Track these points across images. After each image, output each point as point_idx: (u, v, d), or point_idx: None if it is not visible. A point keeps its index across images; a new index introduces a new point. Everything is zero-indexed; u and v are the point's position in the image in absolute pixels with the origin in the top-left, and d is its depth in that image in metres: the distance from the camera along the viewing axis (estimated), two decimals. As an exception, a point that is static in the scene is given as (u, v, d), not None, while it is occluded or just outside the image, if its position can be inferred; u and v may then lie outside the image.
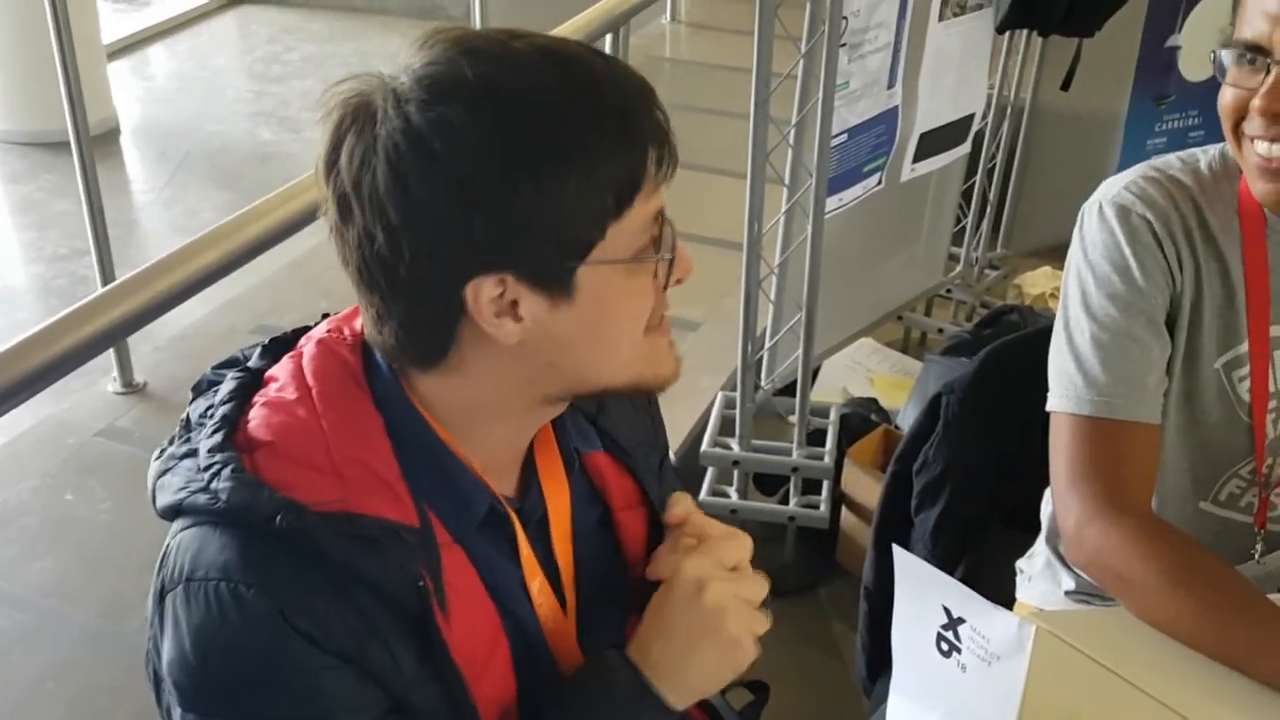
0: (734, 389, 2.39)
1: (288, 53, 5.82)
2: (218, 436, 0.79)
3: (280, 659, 0.74)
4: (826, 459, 2.38)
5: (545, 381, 0.82)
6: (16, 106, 4.53)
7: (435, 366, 0.81)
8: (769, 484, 2.54)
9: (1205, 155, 1.20)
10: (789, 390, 2.42)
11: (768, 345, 2.37)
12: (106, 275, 2.59)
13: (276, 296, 3.11)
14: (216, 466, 0.77)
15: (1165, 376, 1.18)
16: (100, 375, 2.71)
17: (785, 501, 2.44)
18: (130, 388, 2.71)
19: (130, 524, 2.31)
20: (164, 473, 0.81)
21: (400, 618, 0.77)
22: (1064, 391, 1.18)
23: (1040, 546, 1.35)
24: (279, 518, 0.74)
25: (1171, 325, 1.18)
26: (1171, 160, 1.20)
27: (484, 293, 0.76)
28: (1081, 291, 1.18)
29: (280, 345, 0.88)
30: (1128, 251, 1.15)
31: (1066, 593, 1.29)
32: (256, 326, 2.96)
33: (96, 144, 2.62)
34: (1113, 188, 1.18)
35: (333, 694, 0.76)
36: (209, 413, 0.82)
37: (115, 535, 2.30)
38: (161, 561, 0.79)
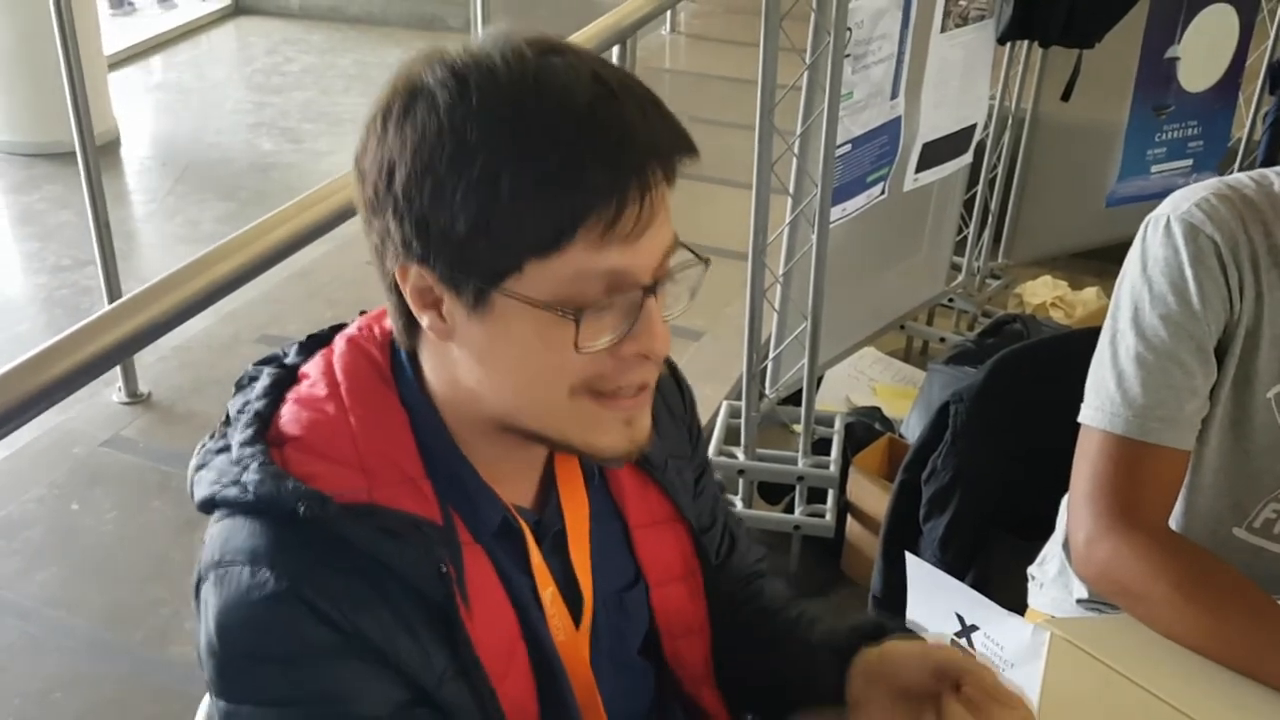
0: (738, 398, 2.39)
1: (287, 64, 5.83)
2: (249, 431, 0.81)
3: (299, 639, 0.75)
4: (832, 468, 2.39)
5: (486, 403, 0.80)
6: (18, 118, 4.54)
7: (416, 355, 0.84)
8: (774, 493, 2.54)
9: (1279, 178, 1.16)
10: (793, 399, 2.43)
11: (772, 354, 2.38)
12: (112, 286, 2.59)
13: (280, 307, 3.11)
14: (246, 460, 0.79)
15: (1205, 403, 1.16)
16: (104, 385, 2.72)
17: (790, 510, 2.45)
18: (135, 398, 2.71)
19: (136, 534, 2.31)
20: (200, 467, 0.83)
21: (427, 609, 0.78)
22: (1099, 405, 1.16)
23: (1054, 551, 1.35)
24: (302, 507, 0.76)
25: (1222, 352, 1.15)
26: (1244, 179, 1.16)
27: (410, 279, 0.78)
28: (1134, 306, 1.15)
29: (317, 342, 0.89)
30: (1189, 273, 1.12)
31: (1078, 600, 1.30)
32: (260, 336, 2.96)
33: (98, 154, 2.62)
34: (1182, 203, 1.14)
35: (351, 680, 0.76)
36: (244, 408, 0.84)
37: (121, 545, 2.30)
38: (200, 554, 0.81)
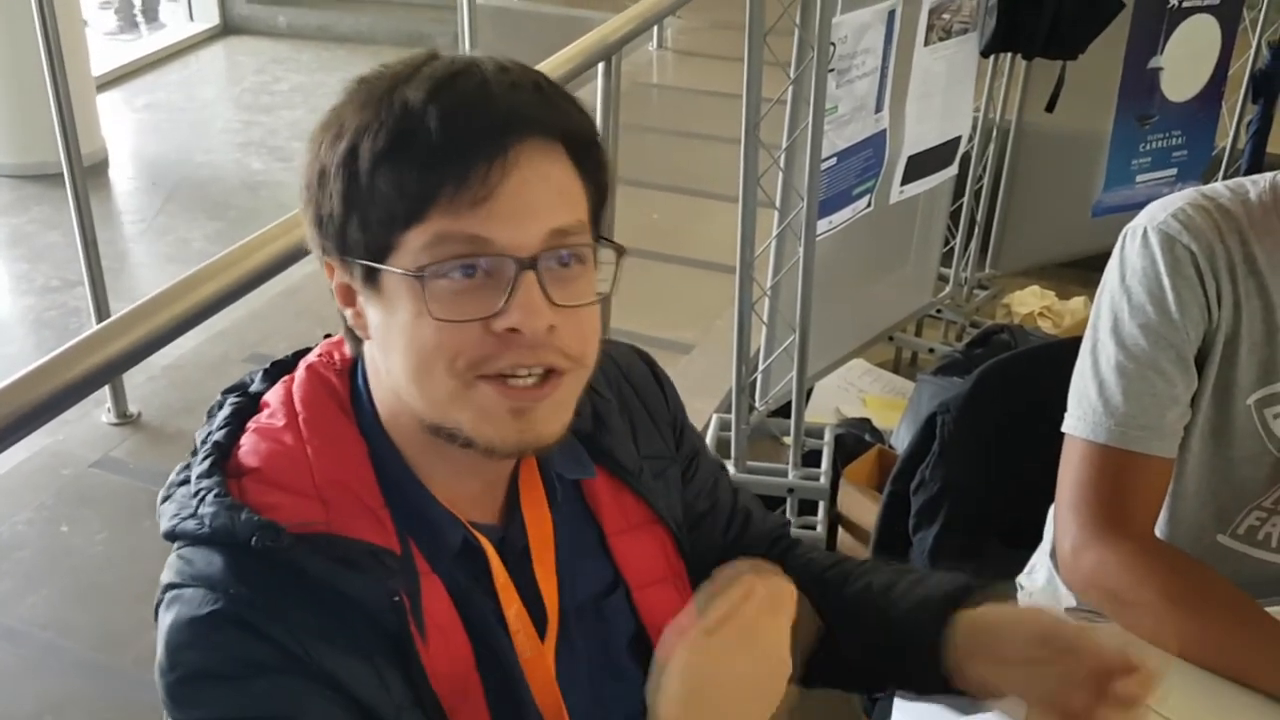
0: (728, 411, 2.40)
1: (276, 83, 5.84)
2: (206, 463, 0.82)
3: (246, 658, 0.75)
4: (822, 479, 2.39)
5: (402, 400, 0.81)
6: (6, 139, 4.54)
7: (362, 366, 0.85)
8: (765, 505, 2.54)
9: (1255, 186, 1.17)
10: (782, 412, 2.43)
11: (761, 367, 2.38)
12: (100, 307, 2.59)
13: (269, 325, 3.11)
14: (202, 492, 0.80)
15: (1187, 411, 1.17)
16: (94, 406, 2.71)
17: (781, 523, 2.45)
18: (124, 418, 2.71)
19: (126, 555, 2.31)
20: (164, 500, 0.84)
21: (384, 637, 0.79)
22: (1082, 415, 1.17)
23: (1042, 560, 1.36)
24: (255, 539, 0.76)
25: (1202, 360, 1.16)
26: (1220, 189, 1.17)
27: (335, 277, 0.81)
28: (1114, 316, 1.16)
29: (281, 369, 0.90)
30: (1167, 283, 1.13)
31: (1067, 609, 1.30)
32: (250, 355, 2.96)
33: (86, 175, 2.62)
34: (1159, 214, 1.15)
35: (298, 700, 0.76)
36: (206, 439, 0.85)
37: (111, 566, 2.29)
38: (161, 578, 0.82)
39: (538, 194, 0.76)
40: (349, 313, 0.82)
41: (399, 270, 0.76)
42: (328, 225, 0.78)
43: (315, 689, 0.76)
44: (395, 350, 0.79)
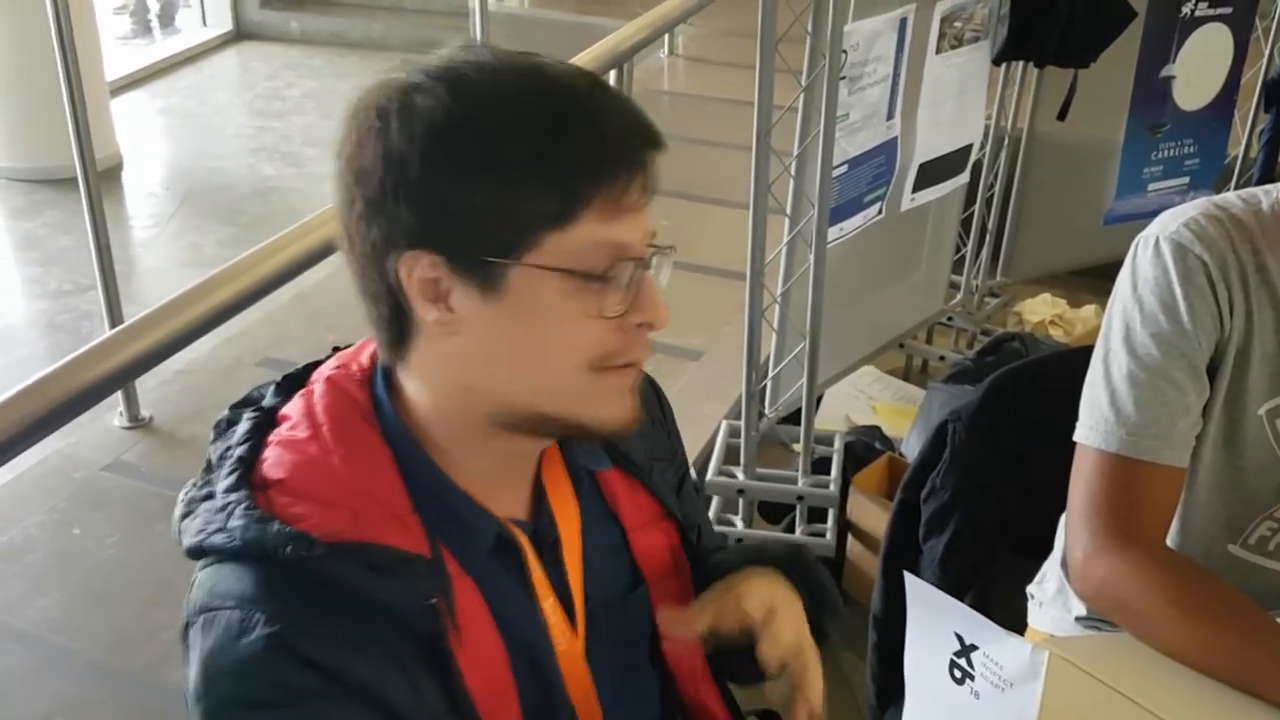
0: (738, 417, 2.40)
1: (289, 88, 5.87)
2: (232, 478, 0.82)
3: (285, 684, 0.75)
4: (832, 487, 2.39)
5: (483, 394, 0.81)
6: (21, 143, 4.57)
7: (403, 367, 0.84)
8: (774, 512, 2.54)
9: (1268, 196, 1.16)
10: (792, 419, 2.43)
11: (771, 374, 2.38)
12: (113, 311, 2.60)
13: (281, 330, 3.12)
14: (230, 506, 0.80)
15: (1199, 421, 1.17)
16: (106, 410, 2.72)
17: (791, 530, 2.45)
18: (136, 422, 2.72)
19: (137, 559, 2.31)
20: (186, 516, 0.83)
21: (418, 644, 0.79)
22: (1093, 425, 1.17)
23: (1053, 569, 1.35)
24: (287, 549, 0.76)
25: (1214, 370, 1.16)
26: (1233, 199, 1.17)
27: (416, 271, 0.78)
28: (1125, 325, 1.16)
29: (293, 382, 0.90)
30: (1179, 292, 1.13)
31: (1077, 618, 1.30)
32: (262, 359, 2.97)
33: (100, 179, 2.64)
34: (1171, 223, 1.15)
35: None
36: (226, 454, 0.85)
37: (122, 570, 2.30)
38: (187, 599, 0.81)
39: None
40: (435, 311, 0.79)
41: (564, 270, 0.77)
42: (457, 221, 0.76)
43: (352, 709, 0.76)
44: (520, 348, 0.80)
